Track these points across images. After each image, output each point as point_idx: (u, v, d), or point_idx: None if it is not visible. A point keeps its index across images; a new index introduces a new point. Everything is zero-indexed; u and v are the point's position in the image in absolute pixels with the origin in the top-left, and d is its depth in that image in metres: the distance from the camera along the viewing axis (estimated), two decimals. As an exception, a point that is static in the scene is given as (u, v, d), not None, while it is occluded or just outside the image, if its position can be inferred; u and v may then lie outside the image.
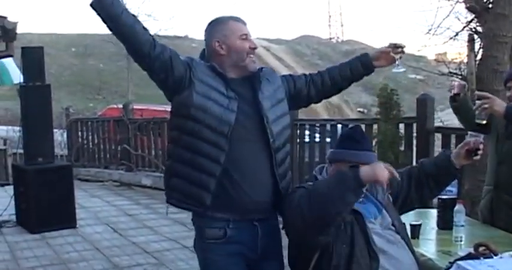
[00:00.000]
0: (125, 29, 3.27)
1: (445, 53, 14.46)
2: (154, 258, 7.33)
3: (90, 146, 15.07)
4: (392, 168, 3.17)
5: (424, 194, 3.76)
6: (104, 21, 3.26)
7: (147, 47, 3.29)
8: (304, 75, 3.87)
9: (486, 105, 4.20)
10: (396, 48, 3.75)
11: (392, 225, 3.48)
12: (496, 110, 4.20)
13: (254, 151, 3.42)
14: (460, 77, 8.32)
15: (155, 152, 13.28)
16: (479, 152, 3.62)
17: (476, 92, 4.46)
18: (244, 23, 3.53)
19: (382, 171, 3.10)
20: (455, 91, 4.76)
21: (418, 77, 37.88)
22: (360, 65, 3.82)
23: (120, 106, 14.66)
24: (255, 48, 3.49)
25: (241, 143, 3.37)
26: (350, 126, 3.85)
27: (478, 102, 4.25)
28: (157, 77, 3.40)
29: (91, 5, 3.22)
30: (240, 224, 3.44)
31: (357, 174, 3.10)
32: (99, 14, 3.24)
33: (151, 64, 3.35)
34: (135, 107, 14.88)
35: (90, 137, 15.06)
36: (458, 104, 4.87)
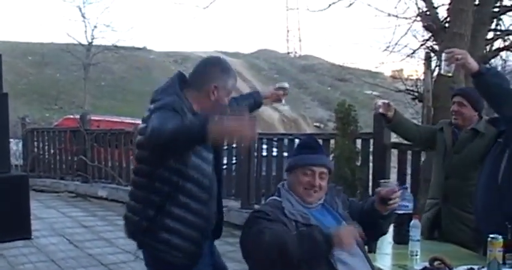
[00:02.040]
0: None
1: (401, 70, 14.62)
2: (110, 270, 7.26)
3: (46, 156, 14.97)
4: (357, 232, 3.22)
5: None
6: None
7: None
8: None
9: (459, 56, 4.00)
10: (282, 89, 4.52)
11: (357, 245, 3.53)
12: (469, 62, 3.99)
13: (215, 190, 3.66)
14: (416, 93, 8.45)
15: (112, 164, 13.24)
16: (390, 202, 3.58)
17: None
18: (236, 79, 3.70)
19: (350, 241, 3.19)
20: (380, 111, 4.85)
21: (375, 93, 38.20)
22: (252, 101, 4.36)
23: (77, 116, 14.56)
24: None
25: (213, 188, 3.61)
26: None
27: (444, 54, 4.12)
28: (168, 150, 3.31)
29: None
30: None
31: (330, 244, 3.18)
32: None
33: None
34: (92, 118, 14.85)
35: (46, 147, 14.95)
36: (391, 125, 4.99)
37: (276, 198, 3.60)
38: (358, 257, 3.48)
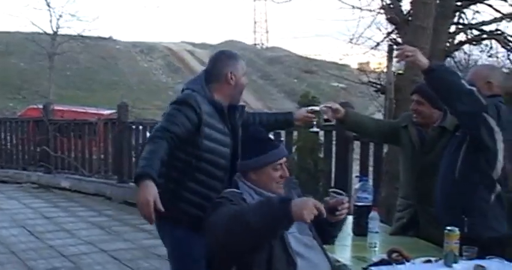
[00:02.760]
0: None
1: (367, 63, 14.65)
2: (71, 262, 7.22)
3: (9, 147, 14.78)
4: (321, 206, 3.11)
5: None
6: None
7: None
8: (253, 115, 4.55)
9: (410, 53, 4.03)
10: (314, 112, 4.58)
11: (310, 230, 3.53)
12: (420, 59, 4.01)
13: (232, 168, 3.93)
14: (379, 86, 8.48)
15: (75, 155, 13.13)
16: (337, 213, 3.56)
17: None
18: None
19: (310, 213, 3.04)
20: (326, 117, 4.77)
21: (341, 85, 38.34)
22: (282, 118, 4.64)
23: (41, 106, 14.39)
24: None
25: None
26: (248, 131, 3.81)
27: (396, 52, 4.17)
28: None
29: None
30: None
31: (289, 214, 3.02)
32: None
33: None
34: (55, 107, 14.67)
35: (8, 138, 14.79)
36: (346, 124, 4.95)
37: (235, 190, 3.52)
38: (316, 250, 3.48)
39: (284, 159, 3.57)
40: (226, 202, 3.31)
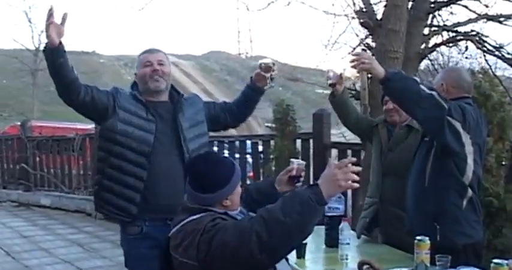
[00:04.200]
0: (63, 79, 3.96)
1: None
2: (46, 281, 7.07)
3: (-12, 166, 14.59)
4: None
5: None
6: (50, 65, 3.95)
7: (74, 95, 3.98)
8: (224, 102, 4.63)
9: (366, 61, 3.97)
10: (266, 67, 4.35)
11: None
12: (375, 68, 3.94)
13: (172, 164, 4.05)
14: (354, 92, 8.37)
15: (54, 171, 12.97)
16: (301, 179, 3.58)
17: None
18: (153, 52, 4.24)
19: (345, 178, 2.91)
20: (331, 81, 4.75)
21: (326, 92, 38.29)
22: (248, 90, 4.49)
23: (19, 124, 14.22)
24: (155, 70, 4.13)
25: (160, 158, 4.04)
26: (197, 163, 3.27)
27: (353, 57, 4.06)
28: (83, 113, 4.14)
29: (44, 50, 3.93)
30: (155, 222, 4.01)
31: (321, 199, 2.86)
32: (50, 60, 3.93)
33: (77, 106, 4.07)
34: (34, 124, 14.53)
35: (-13, 157, 14.57)
36: (337, 99, 4.88)
37: (213, 214, 3.27)
38: (283, 262, 3.32)
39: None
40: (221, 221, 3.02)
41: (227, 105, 4.58)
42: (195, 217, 3.07)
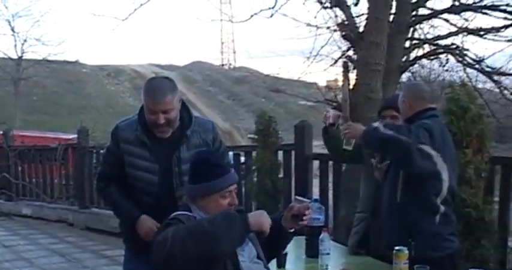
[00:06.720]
0: None
1: (335, 80, 14.60)
2: (27, 292, 7.06)
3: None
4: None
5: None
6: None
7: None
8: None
9: (346, 131, 4.33)
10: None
11: (258, 258, 3.39)
12: (356, 132, 4.23)
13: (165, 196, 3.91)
14: (335, 104, 8.42)
15: (36, 181, 12.91)
16: (305, 218, 3.51)
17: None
18: (157, 101, 3.76)
19: (268, 222, 3.13)
20: (330, 121, 4.75)
21: (309, 103, 38.35)
22: None
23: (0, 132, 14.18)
24: (160, 125, 3.80)
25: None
26: (199, 153, 3.59)
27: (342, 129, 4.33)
28: None
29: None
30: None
31: (246, 224, 3.06)
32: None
33: None
34: (16, 133, 14.47)
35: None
36: (330, 135, 4.87)
37: (188, 213, 3.29)
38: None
39: (234, 185, 3.37)
40: (178, 223, 3.12)
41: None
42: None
